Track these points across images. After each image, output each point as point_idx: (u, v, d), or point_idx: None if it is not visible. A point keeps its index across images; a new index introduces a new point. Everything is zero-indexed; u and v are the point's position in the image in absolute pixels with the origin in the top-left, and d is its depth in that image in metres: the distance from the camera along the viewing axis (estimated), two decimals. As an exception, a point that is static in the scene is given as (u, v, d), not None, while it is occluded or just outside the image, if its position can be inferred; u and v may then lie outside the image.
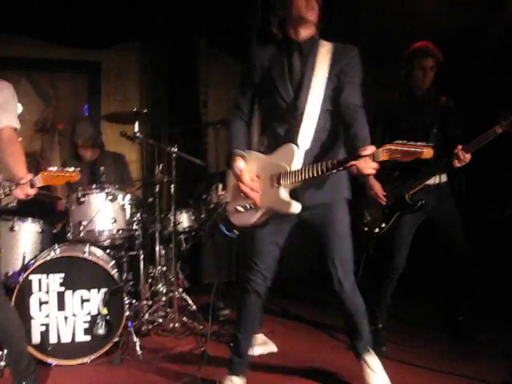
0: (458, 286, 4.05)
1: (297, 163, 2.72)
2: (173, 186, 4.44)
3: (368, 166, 2.45)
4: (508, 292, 5.14)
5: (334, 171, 2.59)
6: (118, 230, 4.17)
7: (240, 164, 2.81)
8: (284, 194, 2.74)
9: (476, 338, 4.02)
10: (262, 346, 3.89)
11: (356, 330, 3.02)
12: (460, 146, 3.58)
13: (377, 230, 3.89)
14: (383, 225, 3.88)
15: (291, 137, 2.76)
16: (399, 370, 3.44)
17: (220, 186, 4.89)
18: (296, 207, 2.71)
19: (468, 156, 3.59)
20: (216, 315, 4.72)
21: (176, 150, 4.43)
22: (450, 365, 3.50)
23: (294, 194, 2.77)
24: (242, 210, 2.89)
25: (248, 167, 2.82)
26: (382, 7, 5.49)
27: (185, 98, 6.70)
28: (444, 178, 3.90)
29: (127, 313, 3.81)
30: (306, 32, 2.81)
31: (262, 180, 2.82)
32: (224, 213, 3.09)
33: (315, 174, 2.63)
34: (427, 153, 2.42)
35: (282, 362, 3.63)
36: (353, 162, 2.49)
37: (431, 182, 3.85)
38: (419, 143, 2.40)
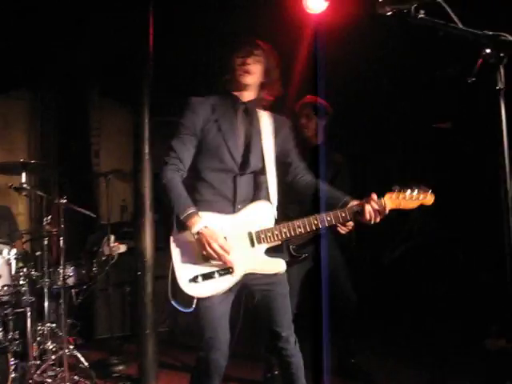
0: (343, 330, 4.18)
1: (273, 220, 2.66)
2: (62, 238, 4.30)
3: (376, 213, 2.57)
4: (401, 329, 5.37)
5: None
6: (3, 286, 3.95)
7: (203, 223, 2.53)
8: (262, 252, 2.62)
9: (369, 377, 4.14)
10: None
11: None
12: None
13: None
14: None
15: (244, 193, 2.71)
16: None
17: (112, 238, 4.81)
18: (284, 264, 2.64)
19: (349, 224, 3.58)
20: (110, 371, 4.57)
21: (65, 201, 4.32)
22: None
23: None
24: (206, 279, 2.54)
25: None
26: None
27: (76, 148, 6.59)
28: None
29: (13, 374, 3.62)
30: (247, 94, 2.78)
31: (234, 241, 2.60)
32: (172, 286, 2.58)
33: (312, 228, 2.61)
34: (429, 199, 2.58)
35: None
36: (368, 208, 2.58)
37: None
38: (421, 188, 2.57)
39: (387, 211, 2.59)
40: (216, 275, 2.54)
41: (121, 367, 4.66)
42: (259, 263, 2.60)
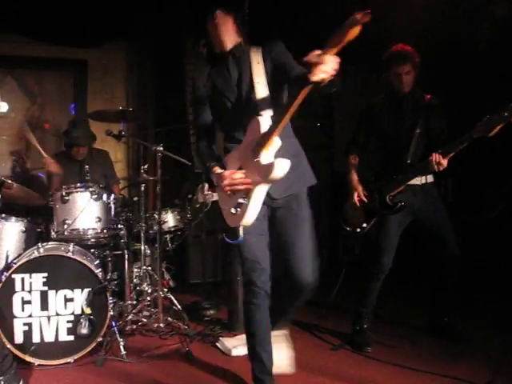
0: (444, 287, 4.04)
1: (267, 127, 2.62)
2: (158, 185, 4.41)
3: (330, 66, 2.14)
4: (495, 292, 5.18)
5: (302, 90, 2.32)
6: (103, 229, 4.11)
7: (217, 173, 2.82)
8: (265, 159, 2.59)
9: (461, 338, 4.02)
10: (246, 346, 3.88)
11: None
12: (435, 154, 3.56)
13: (358, 230, 3.91)
14: (364, 225, 3.89)
15: (246, 121, 2.76)
16: (384, 370, 3.46)
17: (206, 186, 4.87)
18: (283, 163, 2.50)
19: (444, 161, 3.56)
20: (201, 315, 4.71)
21: (161, 149, 4.40)
22: (435, 365, 3.49)
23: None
24: (238, 207, 2.74)
25: (229, 167, 2.83)
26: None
27: (171, 97, 6.67)
28: (430, 178, 3.89)
29: (111, 312, 3.78)
30: (229, 42, 2.95)
31: (246, 164, 2.73)
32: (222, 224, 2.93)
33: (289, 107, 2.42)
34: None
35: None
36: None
37: (417, 182, 3.84)
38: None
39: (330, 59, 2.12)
40: (243, 200, 2.70)
41: (212, 311, 4.80)
42: (262, 171, 2.56)
